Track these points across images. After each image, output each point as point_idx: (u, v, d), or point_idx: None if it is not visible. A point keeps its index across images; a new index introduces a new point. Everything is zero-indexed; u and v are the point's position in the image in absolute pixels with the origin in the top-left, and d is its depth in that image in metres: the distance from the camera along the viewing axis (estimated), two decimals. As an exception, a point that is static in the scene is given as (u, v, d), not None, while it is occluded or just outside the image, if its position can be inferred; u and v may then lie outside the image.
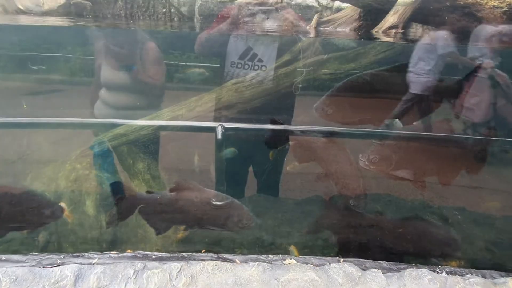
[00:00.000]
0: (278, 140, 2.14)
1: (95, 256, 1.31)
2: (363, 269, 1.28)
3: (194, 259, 1.30)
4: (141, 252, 1.34)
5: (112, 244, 1.98)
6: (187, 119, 2.11)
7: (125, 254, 1.33)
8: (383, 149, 1.94)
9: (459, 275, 1.31)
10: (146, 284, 1.18)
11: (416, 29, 2.21)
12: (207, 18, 2.41)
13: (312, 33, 2.26)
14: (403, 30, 2.09)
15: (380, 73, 2.14)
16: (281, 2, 2.13)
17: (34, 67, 2.65)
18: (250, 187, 2.46)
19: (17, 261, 1.26)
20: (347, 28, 2.25)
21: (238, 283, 1.19)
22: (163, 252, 1.36)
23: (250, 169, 2.46)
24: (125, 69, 2.10)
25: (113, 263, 1.25)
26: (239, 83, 2.11)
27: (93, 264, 1.25)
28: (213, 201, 1.71)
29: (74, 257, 1.29)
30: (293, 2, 2.61)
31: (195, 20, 2.48)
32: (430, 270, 1.28)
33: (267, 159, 2.27)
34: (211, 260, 1.29)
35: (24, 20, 2.31)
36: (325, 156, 2.04)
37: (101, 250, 1.35)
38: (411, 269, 1.28)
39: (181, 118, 2.12)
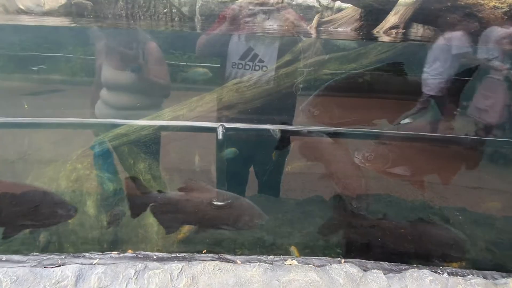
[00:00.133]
0: (287, 139, 2.14)
1: (96, 256, 1.31)
2: (364, 270, 1.27)
3: (195, 260, 1.30)
4: (142, 252, 1.34)
5: (113, 244, 1.98)
6: (188, 119, 2.11)
7: (126, 254, 1.33)
8: (378, 147, 1.94)
9: (460, 276, 1.31)
10: (147, 284, 1.18)
11: (417, 29, 2.21)
12: (208, 18, 2.41)
13: (313, 33, 2.26)
14: (404, 30, 2.09)
15: (367, 73, 2.15)
16: (282, 2, 2.13)
17: (35, 68, 2.65)
18: (250, 187, 2.46)
19: (18, 261, 1.26)
20: (348, 29, 2.25)
21: (239, 284, 1.19)
22: (164, 252, 1.36)
23: (251, 169, 2.46)
24: (133, 70, 2.09)
25: (114, 263, 1.24)
26: (240, 83, 2.11)
27: (94, 264, 1.25)
28: (214, 201, 1.71)
29: (75, 257, 1.29)
30: (293, 3, 2.60)
31: (196, 20, 2.48)
32: (431, 271, 1.28)
33: (268, 159, 2.27)
34: (212, 260, 1.29)
35: (25, 20, 2.31)
36: (329, 156, 2.04)
37: (102, 250, 1.35)
38: (412, 270, 1.28)
39: (182, 118, 2.12)
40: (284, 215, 2.24)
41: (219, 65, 2.22)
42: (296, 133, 2.14)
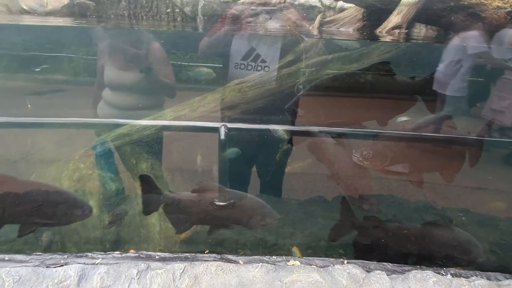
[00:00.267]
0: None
1: (99, 256, 1.30)
2: (367, 271, 1.27)
3: (198, 260, 1.30)
4: (144, 252, 1.34)
5: (115, 244, 1.98)
6: (190, 119, 2.11)
7: (128, 254, 1.33)
8: (376, 145, 1.93)
9: (464, 278, 1.30)
10: (150, 284, 1.17)
11: (419, 30, 2.20)
12: (210, 18, 2.41)
13: (315, 34, 2.26)
14: (406, 31, 2.08)
15: (353, 73, 2.14)
16: (284, 2, 2.13)
17: (38, 69, 2.66)
18: (252, 187, 2.46)
19: (21, 261, 1.26)
20: (351, 28, 2.24)
21: (242, 284, 1.18)
22: (166, 252, 1.35)
23: (253, 169, 2.46)
24: (143, 71, 2.09)
25: (116, 263, 1.24)
26: (242, 84, 2.11)
27: (97, 264, 1.25)
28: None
29: (78, 257, 1.29)
30: (296, 3, 2.60)
31: (198, 20, 2.48)
32: (435, 272, 1.27)
33: (270, 160, 2.27)
34: (215, 260, 1.29)
35: (28, 20, 2.32)
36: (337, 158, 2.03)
37: (105, 250, 1.34)
38: (416, 271, 1.27)
39: (184, 118, 2.12)
40: (286, 215, 2.23)
41: (221, 65, 2.22)
42: (299, 133, 2.13)
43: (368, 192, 1.94)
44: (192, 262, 1.26)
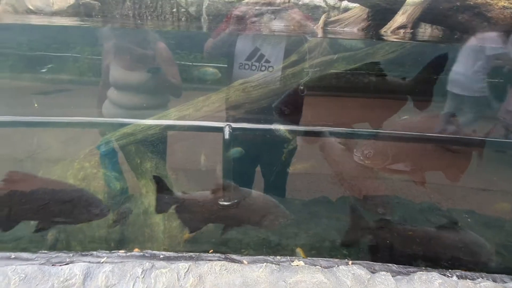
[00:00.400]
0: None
1: (104, 254, 1.31)
2: (372, 272, 1.26)
3: (202, 259, 1.30)
4: (149, 251, 1.34)
5: (120, 243, 1.99)
6: (194, 118, 2.11)
7: (133, 253, 1.33)
8: (377, 144, 1.92)
9: (469, 279, 1.29)
10: (154, 283, 1.18)
11: (425, 29, 2.19)
12: (215, 18, 2.41)
13: (320, 33, 2.25)
14: (412, 30, 2.07)
15: (341, 73, 2.13)
16: (288, 2, 2.12)
17: (44, 70, 2.67)
18: (256, 187, 2.46)
19: (27, 259, 1.27)
20: (355, 28, 2.23)
21: (246, 284, 1.18)
22: (170, 251, 1.36)
23: (257, 169, 2.45)
24: (151, 71, 2.10)
25: (121, 262, 1.25)
26: (246, 83, 2.11)
27: (102, 263, 1.25)
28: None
29: (83, 255, 1.29)
30: (300, 2, 2.60)
31: (203, 20, 2.48)
32: (440, 274, 1.26)
33: (274, 159, 2.26)
34: (219, 260, 1.28)
35: (34, 20, 2.34)
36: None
37: (109, 249, 1.35)
38: (421, 272, 1.27)
39: (189, 118, 2.12)
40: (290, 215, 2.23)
41: (226, 65, 2.22)
42: (303, 133, 2.13)
43: (380, 195, 1.92)
44: (197, 262, 1.26)
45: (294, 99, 2.04)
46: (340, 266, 1.27)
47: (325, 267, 1.28)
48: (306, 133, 2.16)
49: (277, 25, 2.09)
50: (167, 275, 1.20)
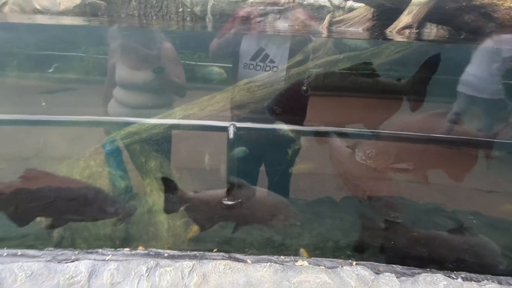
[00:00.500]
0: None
1: (109, 252, 1.32)
2: (377, 273, 1.26)
3: (206, 258, 1.30)
4: (153, 249, 1.35)
5: (124, 241, 2.00)
6: (199, 118, 2.12)
7: (138, 251, 1.34)
8: (379, 143, 1.91)
9: (475, 281, 1.28)
10: (159, 282, 1.18)
11: (430, 30, 2.18)
12: (220, 18, 2.42)
13: (324, 33, 2.25)
14: (417, 30, 2.06)
15: (329, 72, 2.12)
16: (293, 1, 2.12)
17: (50, 70, 2.70)
18: (259, 186, 2.45)
19: (33, 256, 1.28)
20: (360, 28, 2.22)
21: (250, 284, 1.18)
22: (174, 250, 1.36)
23: (261, 168, 2.45)
24: (156, 70, 2.12)
25: (126, 260, 1.25)
26: (251, 83, 2.11)
27: (107, 260, 1.26)
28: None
29: (88, 253, 1.30)
30: (305, 2, 2.59)
31: (207, 20, 2.49)
32: (445, 276, 1.25)
33: (278, 159, 2.26)
34: (223, 259, 1.29)
35: (41, 19, 2.36)
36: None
37: (114, 247, 1.36)
38: (426, 274, 1.26)
39: (193, 117, 2.13)
40: (293, 215, 2.22)
41: (231, 65, 2.22)
42: (304, 132, 2.13)
43: (393, 198, 1.89)
44: (201, 261, 1.26)
45: (285, 99, 2.05)
46: (344, 267, 1.27)
47: (329, 268, 1.27)
48: (307, 133, 2.15)
49: (282, 25, 2.09)
50: (172, 274, 1.20)
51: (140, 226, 2.04)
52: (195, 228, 2.02)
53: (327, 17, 2.29)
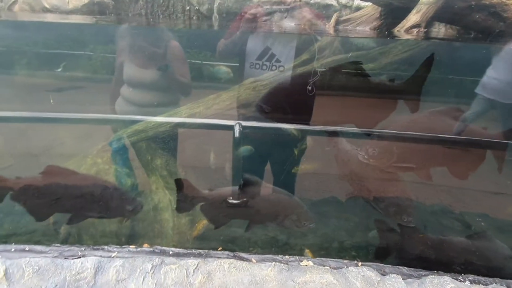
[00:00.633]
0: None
1: (115, 249, 1.33)
2: (382, 274, 1.24)
3: (211, 257, 1.30)
4: (158, 247, 1.36)
5: (130, 238, 2.01)
6: (204, 116, 2.12)
7: (143, 248, 1.35)
8: (381, 143, 1.88)
9: (483, 285, 1.26)
10: (164, 279, 1.19)
11: (438, 29, 2.15)
12: (226, 17, 2.42)
13: (331, 32, 2.23)
14: (425, 29, 2.04)
15: (319, 71, 2.10)
16: (300, 0, 2.11)
17: (59, 69, 2.73)
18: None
19: (40, 252, 1.30)
20: (367, 27, 2.21)
21: (254, 283, 1.18)
22: (179, 248, 1.37)
23: (266, 168, 2.45)
24: (162, 69, 2.13)
25: (131, 257, 1.26)
26: (256, 82, 2.11)
27: (113, 257, 1.27)
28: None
29: (94, 249, 1.31)
30: (312, 1, 2.58)
31: (214, 18, 2.49)
32: (452, 278, 1.24)
33: (284, 158, 2.26)
34: (228, 258, 1.29)
35: (50, 18, 2.39)
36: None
37: (120, 244, 1.37)
38: (433, 276, 1.24)
39: (199, 116, 2.13)
40: (298, 215, 2.21)
41: (238, 64, 2.22)
42: (313, 132, 2.11)
43: (405, 201, 1.86)
44: (205, 259, 1.26)
45: (274, 97, 2.04)
46: (349, 267, 1.26)
47: (334, 268, 1.27)
48: (307, 132, 2.14)
49: (288, 24, 2.08)
50: (176, 271, 1.21)
51: (145, 224, 2.06)
52: (200, 226, 2.03)
53: (334, 16, 2.28)
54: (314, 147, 2.35)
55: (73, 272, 1.19)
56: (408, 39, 2.11)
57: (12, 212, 2.07)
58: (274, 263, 1.25)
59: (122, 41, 2.18)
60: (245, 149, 2.08)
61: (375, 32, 2.19)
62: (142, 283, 1.17)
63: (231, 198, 1.71)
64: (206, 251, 1.35)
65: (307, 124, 2.08)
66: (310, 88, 2.03)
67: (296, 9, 2.05)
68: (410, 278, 1.26)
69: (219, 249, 1.39)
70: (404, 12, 2.05)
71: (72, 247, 1.32)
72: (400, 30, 2.09)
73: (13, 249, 1.30)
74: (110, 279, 1.18)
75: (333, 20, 2.27)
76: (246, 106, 2.12)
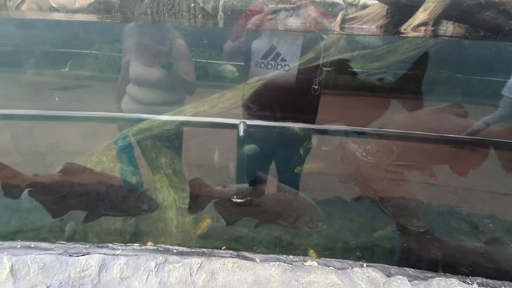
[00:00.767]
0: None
1: (119, 247, 1.33)
2: (388, 276, 1.23)
3: (214, 256, 1.30)
4: (162, 245, 1.36)
5: (134, 236, 2.02)
6: (209, 115, 2.12)
7: (147, 246, 1.35)
8: (379, 140, 1.86)
9: (491, 287, 1.24)
10: (167, 277, 1.19)
11: (446, 27, 2.12)
12: (231, 15, 2.41)
13: (337, 31, 2.21)
14: (433, 28, 2.01)
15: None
16: (305, -1, 2.09)
17: (65, 69, 2.75)
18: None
19: (45, 249, 1.31)
20: (374, 26, 2.18)
21: (258, 282, 1.18)
22: (183, 246, 1.36)
23: (271, 167, 2.44)
24: (166, 67, 2.13)
25: (135, 255, 1.27)
26: (261, 81, 2.10)
27: (117, 255, 1.28)
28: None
29: (99, 247, 1.32)
30: (318, 0, 2.56)
31: (219, 17, 2.48)
32: (460, 281, 1.21)
33: (288, 157, 2.24)
34: (231, 257, 1.28)
35: (57, 17, 2.41)
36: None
37: (124, 242, 1.37)
38: (439, 278, 1.22)
39: (203, 114, 2.13)
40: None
41: (243, 63, 2.22)
42: (319, 131, 2.10)
43: (416, 205, 1.83)
44: (209, 258, 1.26)
45: (262, 97, 2.02)
46: (354, 268, 1.24)
47: (339, 269, 1.25)
48: (307, 131, 2.13)
49: (294, 22, 2.06)
50: (180, 270, 1.21)
51: (150, 222, 2.07)
52: (204, 225, 2.03)
53: (340, 15, 2.25)
54: (320, 146, 2.33)
55: (78, 270, 1.19)
56: (415, 37, 2.08)
57: (20, 209, 2.10)
58: (278, 263, 1.25)
59: (128, 40, 2.19)
60: (249, 148, 2.07)
61: (381, 30, 2.16)
62: (146, 281, 1.17)
63: (235, 197, 1.71)
64: (210, 250, 1.35)
65: (312, 123, 2.06)
66: (316, 87, 2.02)
67: (301, 7, 2.04)
68: (416, 280, 1.24)
69: (223, 248, 1.38)
70: (411, 10, 2.02)
71: (77, 245, 1.33)
72: (407, 28, 2.06)
73: (19, 246, 1.32)
74: (114, 276, 1.19)
75: (339, 18, 2.25)
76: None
